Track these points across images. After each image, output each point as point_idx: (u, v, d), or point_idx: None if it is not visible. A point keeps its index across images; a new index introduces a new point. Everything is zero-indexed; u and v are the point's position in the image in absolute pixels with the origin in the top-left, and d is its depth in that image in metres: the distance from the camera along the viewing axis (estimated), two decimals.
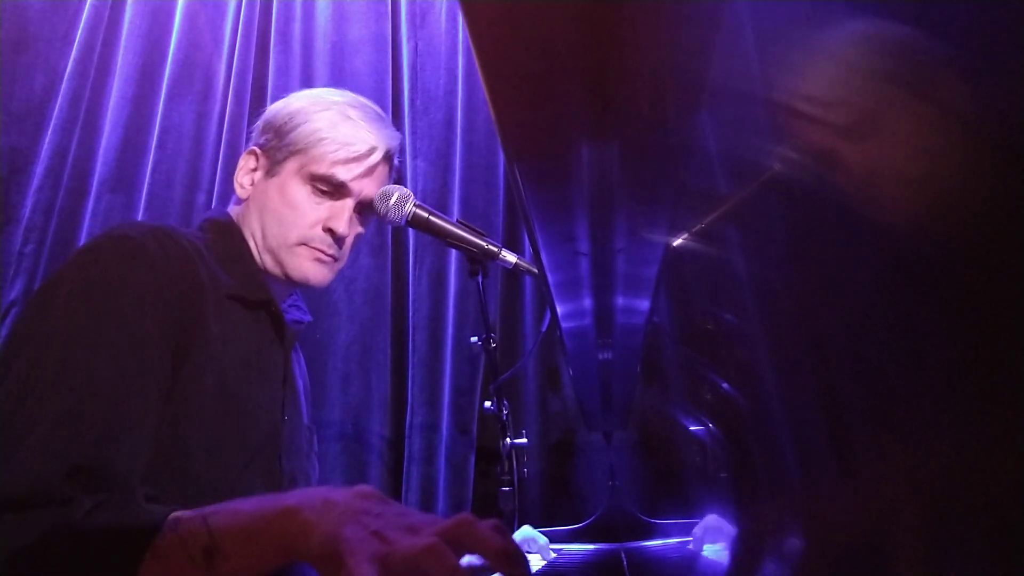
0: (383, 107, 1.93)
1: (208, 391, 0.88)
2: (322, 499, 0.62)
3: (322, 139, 1.05)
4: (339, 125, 1.07)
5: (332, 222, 1.05)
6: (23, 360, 0.75)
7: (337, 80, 1.96)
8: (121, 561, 0.63)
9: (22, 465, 0.68)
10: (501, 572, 0.58)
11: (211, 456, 0.87)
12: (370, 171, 1.08)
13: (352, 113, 1.09)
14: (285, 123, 1.07)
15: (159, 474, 0.80)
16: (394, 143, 1.13)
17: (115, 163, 1.82)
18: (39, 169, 1.78)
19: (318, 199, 1.05)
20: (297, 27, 2.00)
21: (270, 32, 1.98)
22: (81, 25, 1.89)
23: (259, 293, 1.02)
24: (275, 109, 1.12)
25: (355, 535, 0.58)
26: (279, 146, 1.07)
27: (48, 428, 0.70)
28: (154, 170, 1.83)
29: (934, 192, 0.29)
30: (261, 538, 0.61)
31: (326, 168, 1.04)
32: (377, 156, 1.09)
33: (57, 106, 1.82)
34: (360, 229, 1.12)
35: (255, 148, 1.11)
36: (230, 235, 1.06)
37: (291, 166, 1.05)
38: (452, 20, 2.02)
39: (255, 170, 1.09)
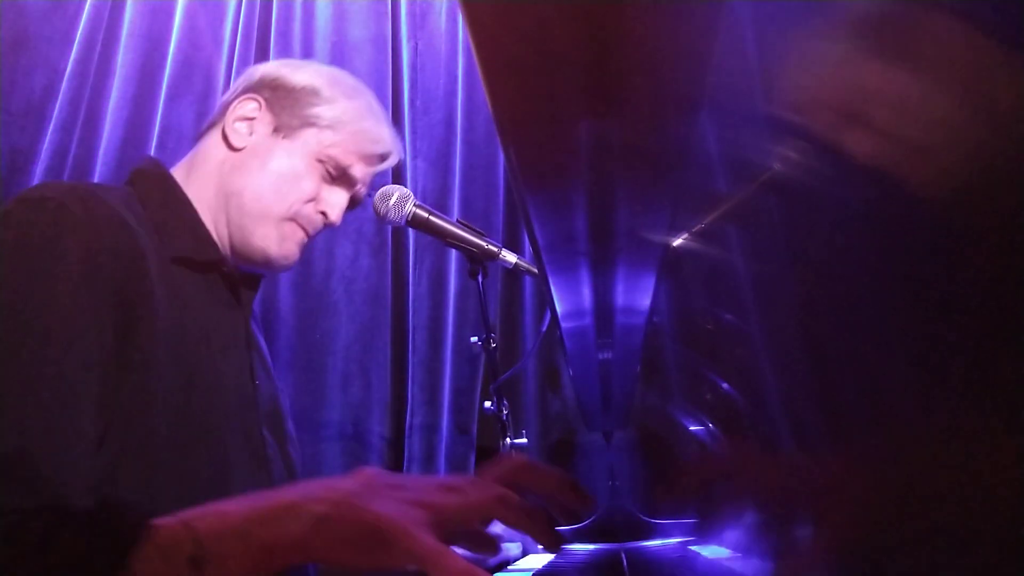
0: (383, 107, 1.93)
1: (162, 369, 0.79)
2: (326, 488, 0.54)
3: (352, 128, 1.02)
4: (367, 119, 1.04)
5: (328, 207, 1.02)
6: None
7: None
8: None
9: None
10: (570, 503, 0.58)
11: (177, 437, 0.79)
12: (377, 174, 1.09)
13: (377, 110, 1.08)
14: (306, 91, 1.01)
15: (124, 466, 0.73)
16: (402, 154, 1.16)
17: (115, 163, 1.82)
18: (39, 169, 1.77)
19: (321, 180, 1.02)
20: (297, 27, 1.99)
21: (270, 32, 1.98)
22: (81, 25, 1.89)
23: (208, 252, 0.93)
24: (287, 70, 1.04)
25: (394, 510, 0.51)
26: (296, 112, 1.00)
27: None
28: None
29: (934, 190, 0.29)
30: (260, 539, 0.53)
31: (346, 157, 1.01)
32: (390, 162, 1.09)
33: (57, 106, 1.82)
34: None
35: (257, 97, 1.01)
36: (167, 188, 0.94)
37: (308, 137, 1.00)
38: (452, 20, 2.02)
39: (253, 119, 1.01)
